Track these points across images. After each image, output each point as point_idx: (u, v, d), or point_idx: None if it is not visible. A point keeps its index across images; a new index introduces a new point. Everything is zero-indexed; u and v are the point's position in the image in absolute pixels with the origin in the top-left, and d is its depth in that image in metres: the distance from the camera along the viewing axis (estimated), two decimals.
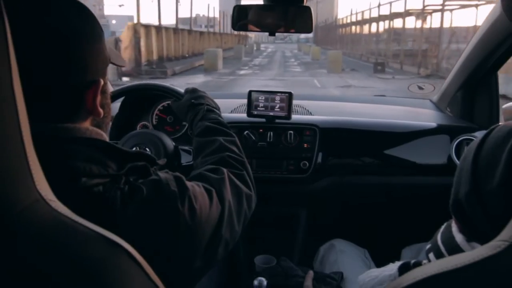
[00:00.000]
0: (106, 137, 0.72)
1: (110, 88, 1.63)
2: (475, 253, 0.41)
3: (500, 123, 1.65)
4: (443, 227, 0.76)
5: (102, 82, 0.69)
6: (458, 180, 0.69)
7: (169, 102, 1.63)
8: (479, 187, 0.63)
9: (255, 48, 43.87)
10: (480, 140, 0.67)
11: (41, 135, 0.60)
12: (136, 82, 1.56)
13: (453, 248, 0.68)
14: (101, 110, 0.70)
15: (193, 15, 32.62)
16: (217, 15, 44.73)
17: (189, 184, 0.73)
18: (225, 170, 0.86)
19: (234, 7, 1.33)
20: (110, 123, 0.82)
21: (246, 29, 1.37)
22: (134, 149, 1.28)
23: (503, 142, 0.61)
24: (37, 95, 0.62)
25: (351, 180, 1.69)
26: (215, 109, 1.16)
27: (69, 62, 0.64)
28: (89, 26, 0.68)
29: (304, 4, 1.30)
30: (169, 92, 1.37)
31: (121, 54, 0.91)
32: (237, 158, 0.94)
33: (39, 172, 0.38)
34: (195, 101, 1.17)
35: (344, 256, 1.47)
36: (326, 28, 55.14)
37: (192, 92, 1.24)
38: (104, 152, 0.66)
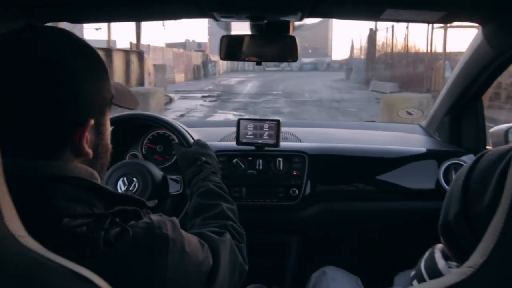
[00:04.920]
0: (97, 176, 0.69)
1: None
2: (443, 279, 0.42)
3: (488, 146, 1.69)
4: (427, 253, 0.75)
5: (92, 122, 0.65)
6: (448, 202, 0.69)
7: (158, 131, 1.64)
8: (469, 209, 0.63)
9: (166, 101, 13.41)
10: (472, 163, 0.67)
11: (22, 171, 0.59)
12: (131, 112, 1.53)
13: (435, 275, 0.68)
14: (89, 151, 0.66)
15: (183, 40, 31.85)
16: (206, 40, 41.01)
17: (183, 232, 0.71)
18: (229, 236, 0.87)
19: (222, 37, 1.37)
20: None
21: (234, 59, 1.40)
22: (121, 179, 1.28)
23: (494, 165, 0.61)
24: (19, 131, 0.60)
25: (341, 206, 1.68)
26: (218, 173, 1.17)
27: (53, 98, 0.60)
28: (82, 62, 0.64)
29: (291, 33, 1.34)
30: (176, 134, 1.41)
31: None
32: (238, 230, 0.95)
33: (9, 208, 0.38)
34: (204, 158, 1.18)
35: (335, 283, 1.44)
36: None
37: (203, 147, 1.26)
38: (92, 192, 0.63)
